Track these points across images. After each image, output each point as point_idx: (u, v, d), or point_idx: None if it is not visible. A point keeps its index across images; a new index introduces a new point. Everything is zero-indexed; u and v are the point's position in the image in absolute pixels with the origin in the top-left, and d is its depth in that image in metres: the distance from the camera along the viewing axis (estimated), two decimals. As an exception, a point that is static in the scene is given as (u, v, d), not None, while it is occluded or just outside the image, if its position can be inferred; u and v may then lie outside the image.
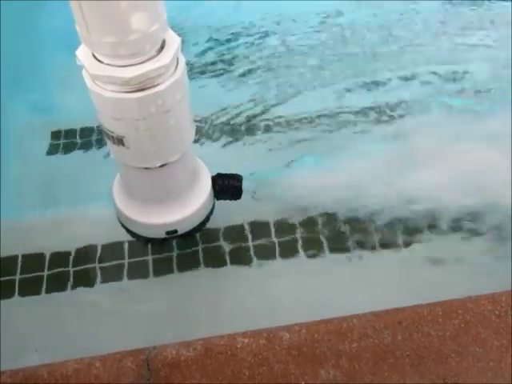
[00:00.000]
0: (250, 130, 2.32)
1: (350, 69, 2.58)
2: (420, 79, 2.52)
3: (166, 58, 1.27)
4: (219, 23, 2.85)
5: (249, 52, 2.71)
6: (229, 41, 2.77)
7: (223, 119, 2.36)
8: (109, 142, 1.44)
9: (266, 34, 2.79)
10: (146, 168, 1.48)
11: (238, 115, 2.38)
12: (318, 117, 2.35)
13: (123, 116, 1.31)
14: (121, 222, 1.77)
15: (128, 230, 1.77)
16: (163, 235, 1.70)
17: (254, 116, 2.37)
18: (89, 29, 1.14)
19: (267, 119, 2.36)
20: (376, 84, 2.51)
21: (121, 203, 1.69)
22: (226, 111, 2.40)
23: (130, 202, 1.67)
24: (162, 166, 1.48)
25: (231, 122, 2.35)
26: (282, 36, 2.78)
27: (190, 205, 1.68)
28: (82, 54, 1.26)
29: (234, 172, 1.82)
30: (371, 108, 2.39)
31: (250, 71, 2.59)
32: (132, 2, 1.11)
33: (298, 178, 2.09)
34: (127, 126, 1.33)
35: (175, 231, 1.69)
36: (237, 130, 2.32)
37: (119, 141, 1.38)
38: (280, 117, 2.36)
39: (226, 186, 1.78)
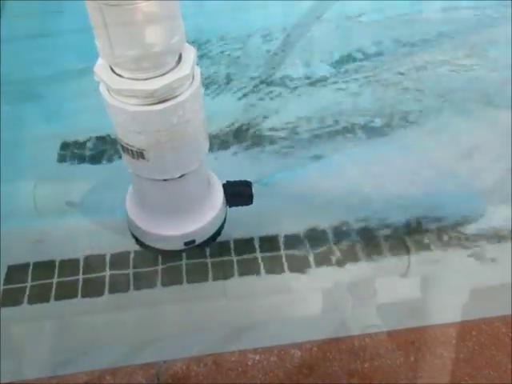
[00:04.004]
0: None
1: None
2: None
3: (186, 68, 1.28)
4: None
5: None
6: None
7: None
8: (127, 157, 1.44)
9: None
10: (165, 180, 1.48)
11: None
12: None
13: (145, 129, 1.31)
14: (133, 234, 1.76)
15: (140, 242, 1.75)
16: (182, 247, 1.69)
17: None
18: (112, 44, 1.14)
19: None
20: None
21: (136, 217, 1.68)
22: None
23: (146, 215, 1.67)
24: (180, 176, 1.48)
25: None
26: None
27: (207, 213, 1.68)
28: (101, 69, 1.26)
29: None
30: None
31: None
32: (156, 14, 1.12)
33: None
34: (149, 139, 1.34)
35: (193, 241, 1.68)
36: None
37: (139, 154, 1.38)
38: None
39: (238, 193, 1.79)
